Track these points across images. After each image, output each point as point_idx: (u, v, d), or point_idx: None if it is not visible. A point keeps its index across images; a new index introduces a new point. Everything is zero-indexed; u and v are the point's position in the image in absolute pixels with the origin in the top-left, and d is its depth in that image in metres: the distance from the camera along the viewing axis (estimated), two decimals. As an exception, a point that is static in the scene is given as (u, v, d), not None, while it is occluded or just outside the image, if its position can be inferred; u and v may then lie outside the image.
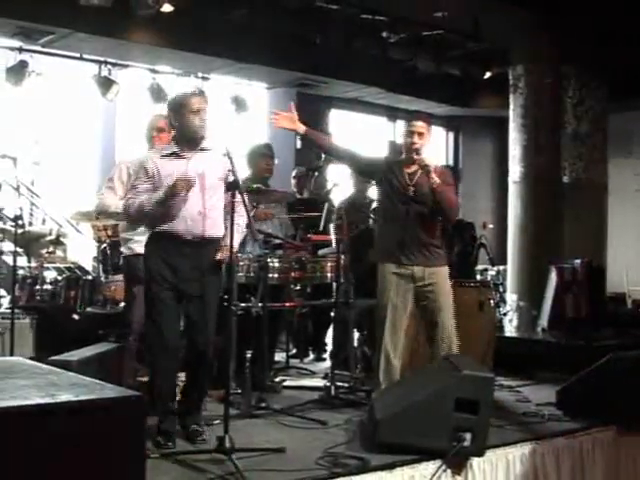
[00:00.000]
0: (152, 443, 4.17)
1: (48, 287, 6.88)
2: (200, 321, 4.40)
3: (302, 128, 5.19)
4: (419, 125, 5.08)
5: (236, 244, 4.48)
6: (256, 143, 6.66)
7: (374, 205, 6.98)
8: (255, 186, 5.72)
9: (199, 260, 4.39)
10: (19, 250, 6.64)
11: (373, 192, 7.87)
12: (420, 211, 5.06)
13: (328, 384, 5.58)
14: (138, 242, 5.49)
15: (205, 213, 4.38)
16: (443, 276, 5.14)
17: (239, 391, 5.28)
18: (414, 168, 5.10)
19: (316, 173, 7.73)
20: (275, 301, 5.76)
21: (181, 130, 4.47)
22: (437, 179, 4.95)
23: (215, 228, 4.41)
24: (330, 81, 10.74)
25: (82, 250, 7.89)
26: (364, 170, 5.57)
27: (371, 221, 6.97)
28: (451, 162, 13.44)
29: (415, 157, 5.02)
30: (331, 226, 7.29)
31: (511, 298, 8.77)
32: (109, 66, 9.21)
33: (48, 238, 7.27)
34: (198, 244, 4.39)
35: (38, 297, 6.81)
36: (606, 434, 4.90)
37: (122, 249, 5.74)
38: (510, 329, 8.49)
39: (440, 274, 5.11)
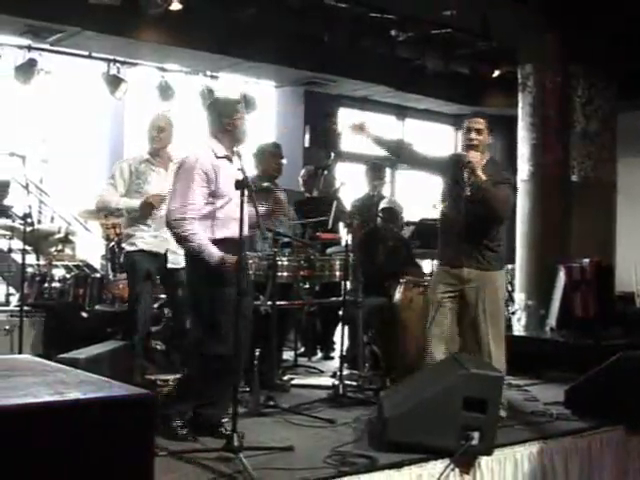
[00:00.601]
0: (172, 433, 4.27)
1: (57, 285, 6.91)
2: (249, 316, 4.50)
3: (372, 135, 5.20)
4: (477, 121, 5.00)
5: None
6: (265, 142, 6.66)
7: (382, 205, 6.97)
8: (265, 185, 5.74)
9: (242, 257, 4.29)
10: (28, 248, 6.65)
11: (386, 191, 7.90)
12: (475, 211, 4.93)
13: (336, 383, 5.57)
14: (141, 238, 5.50)
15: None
16: (493, 280, 5.03)
17: (247, 389, 5.28)
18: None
19: (325, 172, 7.72)
20: (284, 299, 5.77)
21: (232, 133, 4.53)
22: (483, 176, 4.83)
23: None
24: (338, 80, 10.70)
25: (91, 248, 7.91)
26: (437, 170, 5.37)
27: (379, 220, 6.96)
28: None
29: (464, 153, 4.95)
30: (340, 225, 7.29)
31: (519, 297, 8.73)
32: (118, 64, 9.23)
33: (57, 236, 7.29)
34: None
35: (47, 295, 6.83)
36: (614, 434, 4.90)
37: (124, 245, 5.72)
38: (518, 328, 8.46)
39: (490, 278, 5.01)
